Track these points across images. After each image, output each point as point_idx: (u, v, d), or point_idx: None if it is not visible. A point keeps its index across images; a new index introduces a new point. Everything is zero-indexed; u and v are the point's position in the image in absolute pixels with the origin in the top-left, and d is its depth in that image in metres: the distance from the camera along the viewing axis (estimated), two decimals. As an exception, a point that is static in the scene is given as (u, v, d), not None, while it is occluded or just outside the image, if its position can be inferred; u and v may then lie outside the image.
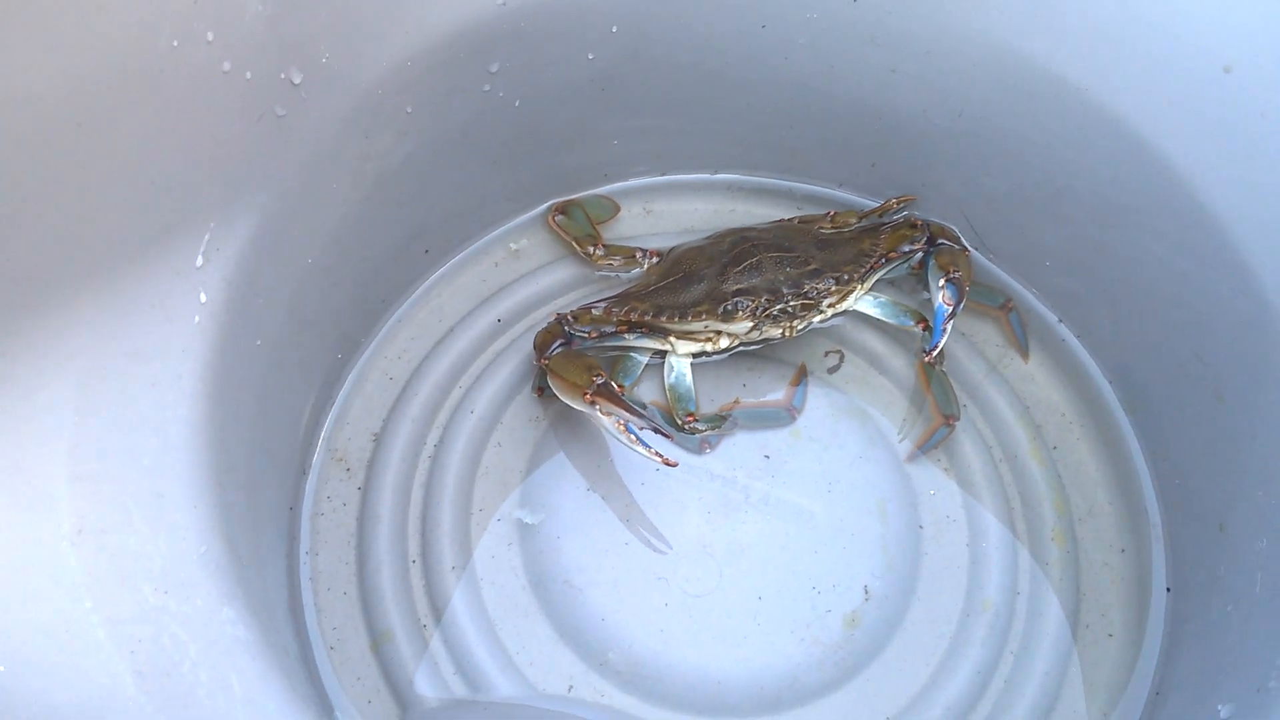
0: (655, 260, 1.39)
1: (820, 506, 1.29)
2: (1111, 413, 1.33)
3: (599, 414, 1.20)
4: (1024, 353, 1.39)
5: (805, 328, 1.31)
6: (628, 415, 1.18)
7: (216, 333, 1.02)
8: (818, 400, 1.36)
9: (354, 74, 1.12)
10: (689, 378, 1.33)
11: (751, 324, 1.28)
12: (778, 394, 1.37)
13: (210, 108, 0.97)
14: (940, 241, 1.36)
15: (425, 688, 1.20)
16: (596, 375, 1.21)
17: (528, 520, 1.28)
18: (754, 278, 1.28)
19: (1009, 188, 1.32)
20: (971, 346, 1.40)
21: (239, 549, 0.99)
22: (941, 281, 1.31)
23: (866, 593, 1.25)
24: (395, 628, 1.22)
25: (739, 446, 1.33)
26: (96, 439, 0.91)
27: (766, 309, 1.27)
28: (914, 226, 1.37)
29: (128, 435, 0.93)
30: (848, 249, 1.33)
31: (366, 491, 1.29)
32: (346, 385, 1.35)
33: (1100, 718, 1.20)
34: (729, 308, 1.26)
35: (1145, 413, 1.30)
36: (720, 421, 1.33)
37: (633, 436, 1.19)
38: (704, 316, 1.27)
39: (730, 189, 1.49)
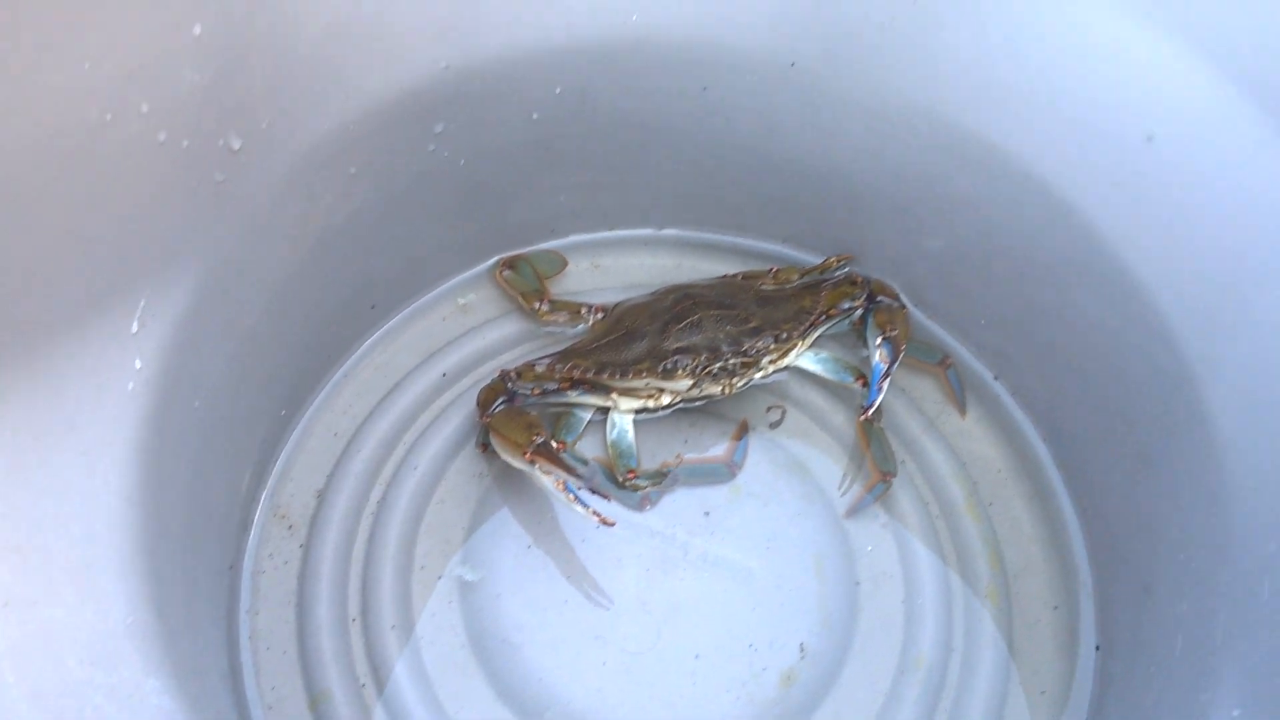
0: (600, 316, 1.41)
1: (758, 563, 1.31)
2: (1045, 470, 1.35)
3: (538, 472, 1.21)
4: (962, 409, 1.41)
5: (745, 385, 1.33)
6: (566, 474, 1.19)
7: (152, 398, 1.02)
8: (759, 456, 1.38)
9: (295, 138, 1.13)
10: (631, 434, 1.34)
11: (692, 382, 1.30)
12: (719, 449, 1.38)
13: (145, 177, 0.98)
14: (880, 299, 1.39)
15: (363, 747, 1.20)
16: (536, 434, 1.22)
17: (468, 578, 1.29)
18: (694, 335, 1.29)
19: (944, 247, 1.34)
20: (911, 402, 1.42)
21: (169, 615, 0.99)
22: (878, 340, 1.34)
23: (803, 650, 1.26)
24: (334, 687, 1.22)
25: (679, 503, 1.34)
26: (25, 510, 0.91)
27: (706, 367, 1.28)
28: (854, 284, 1.40)
29: (57, 505, 0.93)
30: (788, 306, 1.35)
31: (309, 549, 1.30)
32: (290, 442, 1.35)
33: (1032, 774, 1.22)
34: (669, 366, 1.28)
35: (1076, 471, 1.32)
36: (661, 478, 1.34)
37: (571, 495, 1.20)
38: (645, 374, 1.28)
39: (676, 244, 1.52)
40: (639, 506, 1.33)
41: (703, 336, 1.29)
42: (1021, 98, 1.17)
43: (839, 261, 1.43)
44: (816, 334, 1.39)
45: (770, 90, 1.27)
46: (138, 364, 1.01)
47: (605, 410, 1.36)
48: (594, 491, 1.20)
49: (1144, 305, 1.16)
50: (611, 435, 1.34)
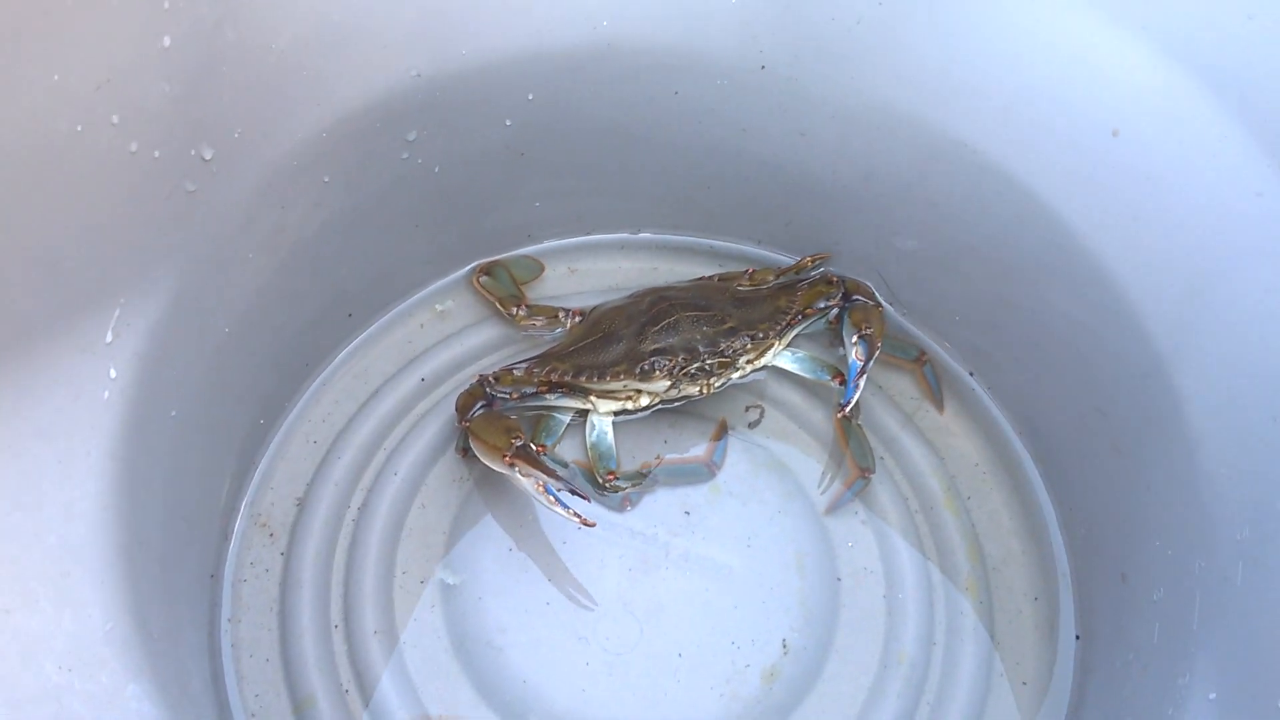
0: (578, 320, 1.42)
1: (739, 561, 1.31)
2: (1021, 463, 1.36)
3: (518, 475, 1.22)
4: (939, 405, 1.42)
5: (723, 385, 1.34)
6: (545, 477, 1.20)
7: (127, 408, 1.03)
8: (738, 455, 1.39)
9: (267, 147, 1.13)
10: (610, 436, 1.35)
11: (669, 383, 1.30)
12: (699, 449, 1.39)
13: (116, 187, 0.98)
14: (855, 297, 1.40)
15: (347, 753, 1.21)
16: (515, 437, 1.22)
17: (450, 581, 1.29)
18: (671, 337, 1.30)
19: (918, 246, 1.35)
20: (888, 399, 1.43)
21: (149, 623, 1.00)
22: (854, 338, 1.34)
23: (785, 647, 1.27)
24: (317, 694, 1.23)
25: (660, 503, 1.35)
26: (1, 520, 0.91)
27: (683, 368, 1.29)
28: (830, 283, 1.41)
29: (32, 515, 0.93)
30: (764, 306, 1.36)
31: (290, 556, 1.30)
32: (269, 450, 1.35)
33: (1015, 766, 1.23)
34: (646, 368, 1.28)
35: (1052, 463, 1.33)
36: (641, 479, 1.35)
37: (551, 498, 1.20)
38: (622, 376, 1.29)
39: (652, 248, 1.52)
40: (619, 507, 1.34)
41: (680, 338, 1.30)
42: (989, 96, 1.18)
43: (814, 261, 1.44)
44: (793, 334, 1.40)
45: (741, 93, 1.28)
46: (113, 373, 1.02)
47: (584, 413, 1.37)
48: (574, 493, 1.20)
49: (1115, 298, 1.17)
50: (591, 437, 1.35)
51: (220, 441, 1.25)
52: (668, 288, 1.41)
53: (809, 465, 1.38)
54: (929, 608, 1.30)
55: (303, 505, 1.33)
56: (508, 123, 1.30)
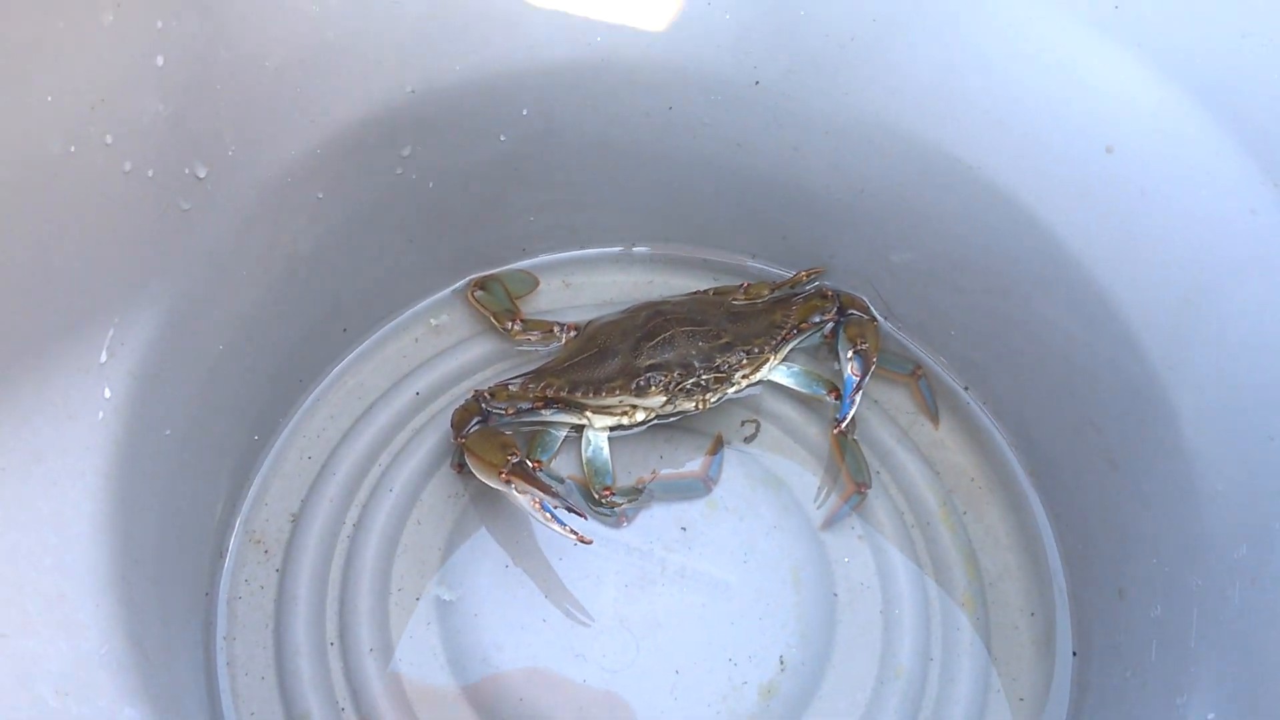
0: (573, 334, 1.41)
1: (736, 577, 1.31)
2: (1017, 478, 1.36)
3: (514, 492, 1.21)
4: (934, 419, 1.42)
5: (719, 400, 1.34)
6: (542, 493, 1.20)
7: (122, 427, 1.02)
8: (734, 470, 1.38)
9: (261, 165, 1.13)
10: (606, 451, 1.35)
11: (665, 398, 1.30)
12: (694, 464, 1.39)
13: (110, 207, 0.98)
14: (850, 312, 1.40)
15: (343, 772, 1.20)
16: (511, 454, 1.22)
17: (446, 598, 1.29)
18: (666, 352, 1.30)
19: (911, 260, 1.36)
20: (884, 413, 1.43)
21: (145, 643, 0.99)
22: (849, 353, 1.35)
23: (782, 663, 1.27)
24: (313, 711, 1.22)
25: (656, 519, 1.34)
26: (-6, 542, 0.91)
27: (679, 383, 1.29)
28: (825, 297, 1.41)
29: (27, 536, 0.93)
30: (760, 321, 1.36)
31: (284, 574, 1.29)
32: (264, 467, 1.35)
33: (1012, 781, 1.23)
34: (642, 383, 1.28)
35: (1047, 478, 1.33)
36: (637, 494, 1.35)
37: (547, 514, 1.20)
38: (618, 391, 1.29)
39: (647, 261, 1.52)
40: (616, 523, 1.34)
41: (675, 353, 1.30)
42: (983, 112, 1.18)
43: (809, 275, 1.44)
44: (788, 348, 1.40)
45: (735, 108, 1.28)
46: (107, 393, 1.01)
47: (580, 428, 1.36)
48: (570, 510, 1.20)
49: (1109, 313, 1.17)
50: (586, 453, 1.35)
51: (215, 458, 1.24)
52: (663, 302, 1.41)
53: (805, 480, 1.38)
54: (925, 623, 1.30)
55: (298, 521, 1.32)
56: (502, 138, 1.30)
